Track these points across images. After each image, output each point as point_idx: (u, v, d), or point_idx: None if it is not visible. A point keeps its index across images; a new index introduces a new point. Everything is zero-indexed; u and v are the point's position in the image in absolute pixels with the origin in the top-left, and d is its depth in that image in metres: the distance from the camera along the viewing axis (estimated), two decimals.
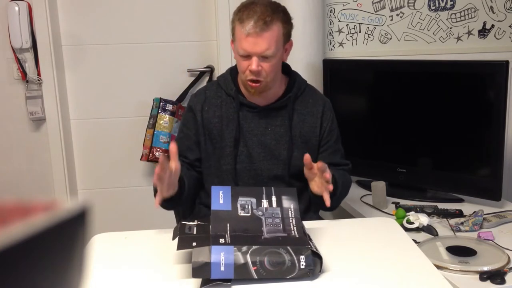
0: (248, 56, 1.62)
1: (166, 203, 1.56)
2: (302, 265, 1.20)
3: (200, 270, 1.17)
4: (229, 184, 1.72)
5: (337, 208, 2.50)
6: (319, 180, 1.55)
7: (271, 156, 1.75)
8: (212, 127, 1.75)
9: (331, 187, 1.49)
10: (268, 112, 1.75)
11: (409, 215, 1.94)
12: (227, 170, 1.74)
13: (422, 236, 1.87)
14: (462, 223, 1.93)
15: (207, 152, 1.77)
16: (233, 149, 1.73)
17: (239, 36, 1.62)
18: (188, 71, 2.65)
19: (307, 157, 1.52)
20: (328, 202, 1.50)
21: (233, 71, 1.79)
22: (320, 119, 1.77)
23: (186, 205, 1.76)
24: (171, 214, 2.04)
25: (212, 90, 1.79)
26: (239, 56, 1.65)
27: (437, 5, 2.68)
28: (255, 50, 1.60)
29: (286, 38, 1.69)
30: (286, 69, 1.81)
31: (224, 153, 1.75)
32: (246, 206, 1.36)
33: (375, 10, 2.66)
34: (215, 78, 2.14)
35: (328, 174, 1.48)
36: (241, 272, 1.19)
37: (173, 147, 1.41)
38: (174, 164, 1.42)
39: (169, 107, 2.52)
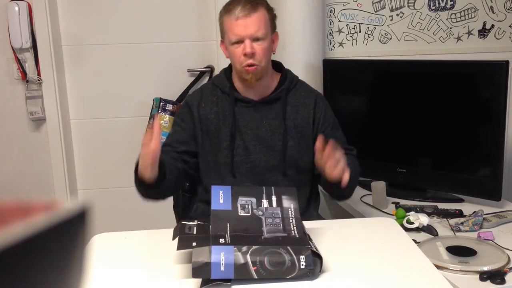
0: (240, 42, 1.67)
1: (143, 188, 1.60)
2: (302, 265, 1.20)
3: (200, 270, 1.17)
4: (227, 176, 1.75)
5: (337, 208, 2.51)
6: (332, 161, 1.51)
7: (266, 148, 1.77)
8: (210, 123, 1.78)
9: (344, 171, 1.50)
10: (262, 105, 1.78)
11: (409, 215, 1.94)
12: (225, 163, 1.76)
13: (422, 236, 1.87)
14: (462, 223, 1.93)
15: (204, 148, 1.79)
16: (230, 142, 1.76)
17: (228, 25, 1.68)
18: (188, 71, 2.65)
19: (318, 142, 1.52)
20: (345, 181, 1.50)
21: (227, 71, 1.84)
22: (313, 110, 1.80)
23: (164, 195, 1.75)
24: (171, 214, 2.04)
25: (207, 89, 1.84)
26: (231, 45, 1.69)
27: (437, 5, 2.68)
28: (246, 32, 1.65)
29: (272, 26, 1.74)
30: (278, 67, 1.85)
31: (221, 147, 1.77)
32: (246, 206, 1.36)
33: (375, 10, 2.66)
34: None
35: (339, 152, 1.49)
36: (241, 272, 1.19)
37: (156, 125, 1.47)
38: (154, 144, 1.47)
39: (169, 107, 2.53)
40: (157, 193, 1.68)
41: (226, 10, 1.70)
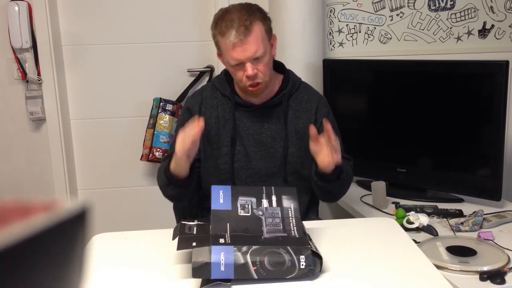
0: (240, 64, 1.63)
1: (174, 186, 1.63)
2: (302, 265, 1.20)
3: (200, 270, 1.17)
4: (226, 183, 1.73)
5: (337, 208, 2.50)
6: (327, 148, 1.55)
7: (267, 154, 1.75)
8: (210, 128, 1.76)
9: (336, 145, 1.52)
10: (263, 110, 1.76)
11: (409, 215, 1.94)
12: (225, 169, 1.75)
13: (422, 236, 1.87)
14: (462, 223, 1.93)
15: (205, 153, 1.77)
16: (230, 148, 1.74)
17: (225, 48, 1.62)
18: (188, 71, 2.65)
19: (312, 129, 1.55)
20: (339, 159, 1.54)
21: (227, 72, 1.79)
22: (315, 115, 1.77)
23: (188, 196, 1.76)
24: (171, 214, 2.04)
25: (208, 92, 1.80)
26: (231, 67, 1.65)
27: (437, 5, 2.69)
28: (245, 56, 1.60)
29: (269, 34, 1.68)
30: (280, 68, 1.81)
31: (221, 153, 1.75)
32: (246, 206, 1.36)
33: (375, 10, 2.66)
34: None
35: (332, 135, 1.52)
36: (241, 272, 1.19)
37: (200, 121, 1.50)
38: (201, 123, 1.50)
39: (169, 107, 2.52)
40: (185, 192, 1.69)
41: (220, 31, 1.62)
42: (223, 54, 1.66)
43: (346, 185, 1.75)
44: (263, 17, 1.65)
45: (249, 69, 1.61)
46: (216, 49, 1.72)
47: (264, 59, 1.64)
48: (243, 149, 1.75)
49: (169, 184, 1.65)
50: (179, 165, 1.57)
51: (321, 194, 1.76)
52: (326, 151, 1.56)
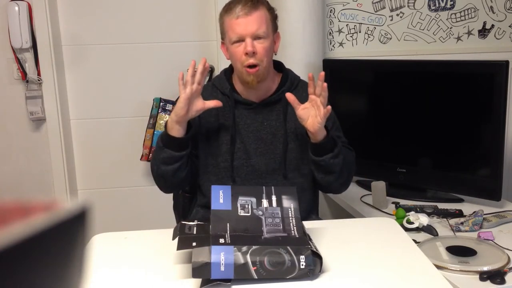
0: (241, 41, 1.65)
1: (170, 153, 1.63)
2: (302, 265, 1.20)
3: (200, 270, 1.17)
4: (227, 181, 1.73)
5: (337, 208, 2.50)
6: (313, 110, 1.59)
7: (267, 151, 1.76)
8: (209, 126, 1.76)
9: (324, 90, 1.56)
10: (263, 107, 1.76)
11: (409, 215, 1.94)
12: (225, 167, 1.75)
13: (422, 236, 1.87)
14: (462, 223, 1.93)
15: (204, 151, 1.77)
16: (230, 146, 1.74)
17: (229, 24, 1.67)
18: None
19: (289, 96, 1.62)
20: (329, 109, 1.56)
21: (227, 72, 1.81)
22: None
23: (181, 174, 1.70)
24: (171, 214, 2.05)
25: (207, 91, 1.80)
26: (232, 45, 1.67)
27: (437, 5, 2.69)
28: (247, 31, 1.64)
29: (274, 26, 1.72)
30: (279, 67, 1.83)
31: (221, 150, 1.75)
32: (246, 206, 1.36)
33: (375, 10, 2.66)
34: None
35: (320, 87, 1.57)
36: (241, 272, 1.19)
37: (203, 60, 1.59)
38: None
39: (169, 107, 2.53)
40: (178, 165, 1.66)
41: (226, 9, 1.69)
42: (226, 34, 1.69)
43: (347, 163, 1.69)
44: (270, 8, 1.72)
45: (249, 44, 1.64)
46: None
47: (265, 42, 1.66)
48: (243, 146, 1.75)
49: (164, 147, 1.64)
50: (177, 112, 1.60)
51: (324, 178, 1.69)
52: (313, 112, 1.59)
